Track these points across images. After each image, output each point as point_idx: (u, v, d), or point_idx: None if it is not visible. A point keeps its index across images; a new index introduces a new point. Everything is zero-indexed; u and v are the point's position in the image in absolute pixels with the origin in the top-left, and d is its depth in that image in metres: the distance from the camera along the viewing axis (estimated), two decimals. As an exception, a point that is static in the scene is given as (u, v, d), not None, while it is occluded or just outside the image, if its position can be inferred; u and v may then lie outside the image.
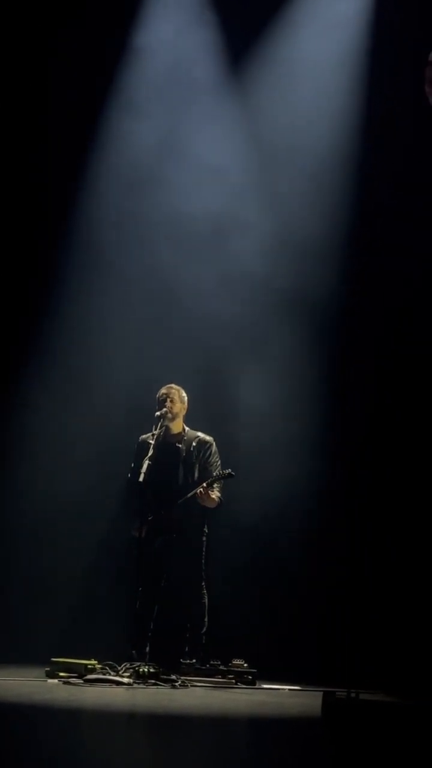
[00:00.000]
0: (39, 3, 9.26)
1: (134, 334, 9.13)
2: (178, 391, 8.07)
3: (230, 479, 7.91)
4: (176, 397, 8.04)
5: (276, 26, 9.33)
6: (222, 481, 7.92)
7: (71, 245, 9.29)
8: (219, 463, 8.00)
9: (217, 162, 9.27)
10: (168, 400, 8.00)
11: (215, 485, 7.88)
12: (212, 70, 9.36)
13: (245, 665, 7.72)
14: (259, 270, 9.16)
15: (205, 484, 7.85)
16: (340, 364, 9.11)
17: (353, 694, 5.86)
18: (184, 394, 8.09)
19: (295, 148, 9.18)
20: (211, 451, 8.00)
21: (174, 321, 9.15)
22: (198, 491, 7.84)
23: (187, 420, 8.13)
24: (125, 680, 7.13)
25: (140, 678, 7.18)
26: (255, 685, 7.65)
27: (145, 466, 7.62)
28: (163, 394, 8.03)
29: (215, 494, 7.87)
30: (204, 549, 7.96)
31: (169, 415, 7.97)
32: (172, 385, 8.08)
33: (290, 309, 9.13)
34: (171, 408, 7.98)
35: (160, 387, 8.08)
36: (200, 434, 8.05)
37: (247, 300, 9.16)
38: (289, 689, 7.68)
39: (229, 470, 7.89)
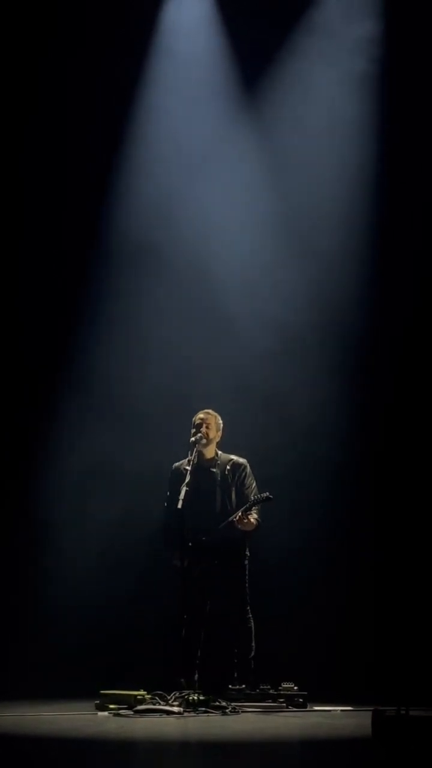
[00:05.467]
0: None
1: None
2: (215, 417, 8.04)
3: (268, 502, 7.85)
4: (212, 423, 8.01)
5: (288, 53, 9.36)
6: (260, 504, 7.88)
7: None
8: (255, 485, 7.94)
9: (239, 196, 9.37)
10: (204, 425, 7.98)
11: (253, 508, 7.84)
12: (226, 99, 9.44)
13: (295, 688, 7.66)
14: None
15: (240, 512, 7.79)
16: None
17: (403, 711, 5.82)
18: (220, 421, 8.05)
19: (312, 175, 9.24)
20: (246, 473, 7.95)
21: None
22: (235, 518, 7.80)
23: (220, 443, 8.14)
24: (176, 709, 7.11)
25: (191, 706, 7.16)
26: (306, 707, 7.60)
27: (182, 492, 7.59)
28: (199, 419, 8.00)
29: (253, 517, 7.80)
30: (246, 573, 7.92)
31: (204, 440, 7.94)
32: (209, 411, 8.04)
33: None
34: (207, 434, 7.95)
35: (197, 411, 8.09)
36: (233, 457, 8.01)
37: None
38: (341, 710, 7.62)
39: (267, 493, 7.79)
